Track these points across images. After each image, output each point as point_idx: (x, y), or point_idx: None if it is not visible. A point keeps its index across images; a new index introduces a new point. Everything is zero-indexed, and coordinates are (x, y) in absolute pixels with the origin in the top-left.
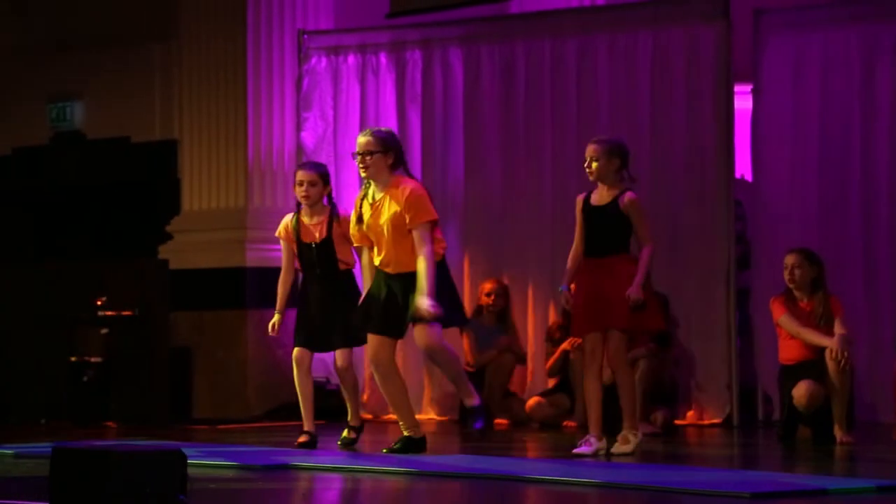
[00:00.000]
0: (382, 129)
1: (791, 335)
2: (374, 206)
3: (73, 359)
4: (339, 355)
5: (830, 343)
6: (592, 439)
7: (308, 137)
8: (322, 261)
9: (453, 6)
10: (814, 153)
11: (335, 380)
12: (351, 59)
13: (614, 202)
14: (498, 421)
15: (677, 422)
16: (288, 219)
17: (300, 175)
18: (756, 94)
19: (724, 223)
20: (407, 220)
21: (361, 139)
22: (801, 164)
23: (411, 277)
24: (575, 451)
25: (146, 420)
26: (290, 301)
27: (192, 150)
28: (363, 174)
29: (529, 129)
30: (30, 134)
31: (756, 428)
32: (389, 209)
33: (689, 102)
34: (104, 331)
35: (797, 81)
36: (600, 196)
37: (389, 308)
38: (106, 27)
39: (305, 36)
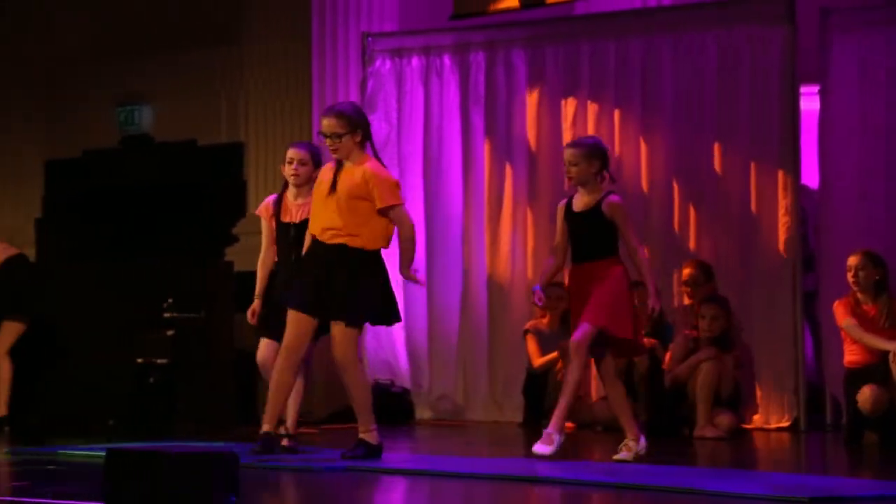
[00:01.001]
0: (345, 105)
1: (854, 339)
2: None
3: (139, 360)
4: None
5: (893, 347)
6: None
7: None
8: (299, 243)
9: (517, 8)
10: (881, 154)
11: (400, 381)
12: (415, 61)
13: (597, 207)
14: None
15: (743, 426)
16: (271, 198)
17: (290, 153)
18: (823, 95)
19: (789, 226)
20: (376, 200)
21: (325, 121)
22: (868, 166)
23: (342, 251)
24: (535, 448)
25: (211, 422)
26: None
27: (258, 153)
28: (334, 156)
29: (594, 129)
30: (99, 137)
31: (824, 432)
32: (351, 179)
33: (754, 104)
34: (170, 332)
35: (864, 82)
36: (582, 201)
37: (317, 287)
38: (173, 32)
39: (369, 38)
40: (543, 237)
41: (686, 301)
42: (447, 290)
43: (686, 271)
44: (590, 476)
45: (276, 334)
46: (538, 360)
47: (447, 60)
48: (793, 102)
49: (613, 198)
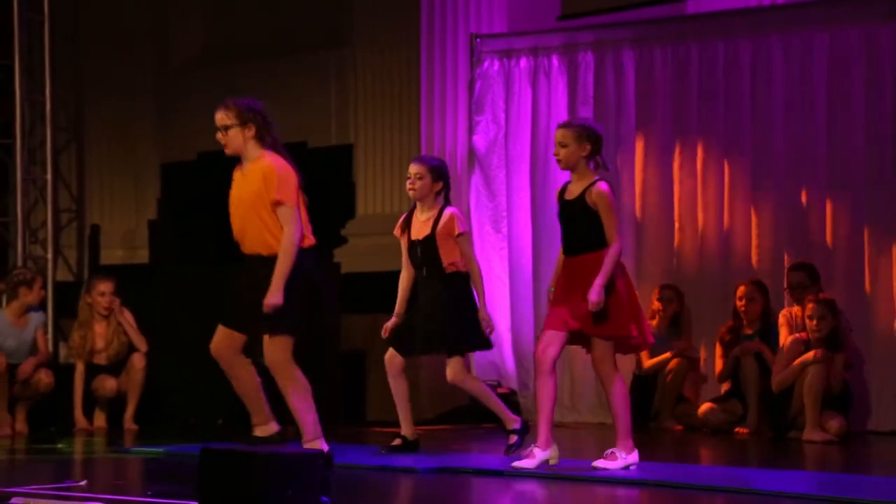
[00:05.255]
0: (242, 99)
1: None
2: (242, 177)
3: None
4: (448, 366)
5: None
6: (536, 450)
7: (480, 141)
8: (426, 260)
9: (626, 7)
10: None
11: (507, 383)
12: (523, 62)
13: (582, 195)
14: (669, 426)
15: (855, 429)
16: (404, 215)
17: (409, 168)
18: None
19: None
20: (272, 196)
21: (217, 114)
22: None
23: (259, 262)
24: (515, 464)
25: (319, 422)
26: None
27: (367, 155)
28: (226, 152)
29: (702, 130)
30: (213, 140)
31: None
32: (252, 182)
33: (868, 104)
34: None
35: None
36: (570, 189)
37: (239, 300)
38: (283, 34)
39: (478, 40)
40: (649, 236)
41: (793, 305)
42: None
43: (792, 274)
44: (694, 479)
45: (395, 345)
46: (648, 362)
47: (555, 61)
48: None
49: (600, 185)
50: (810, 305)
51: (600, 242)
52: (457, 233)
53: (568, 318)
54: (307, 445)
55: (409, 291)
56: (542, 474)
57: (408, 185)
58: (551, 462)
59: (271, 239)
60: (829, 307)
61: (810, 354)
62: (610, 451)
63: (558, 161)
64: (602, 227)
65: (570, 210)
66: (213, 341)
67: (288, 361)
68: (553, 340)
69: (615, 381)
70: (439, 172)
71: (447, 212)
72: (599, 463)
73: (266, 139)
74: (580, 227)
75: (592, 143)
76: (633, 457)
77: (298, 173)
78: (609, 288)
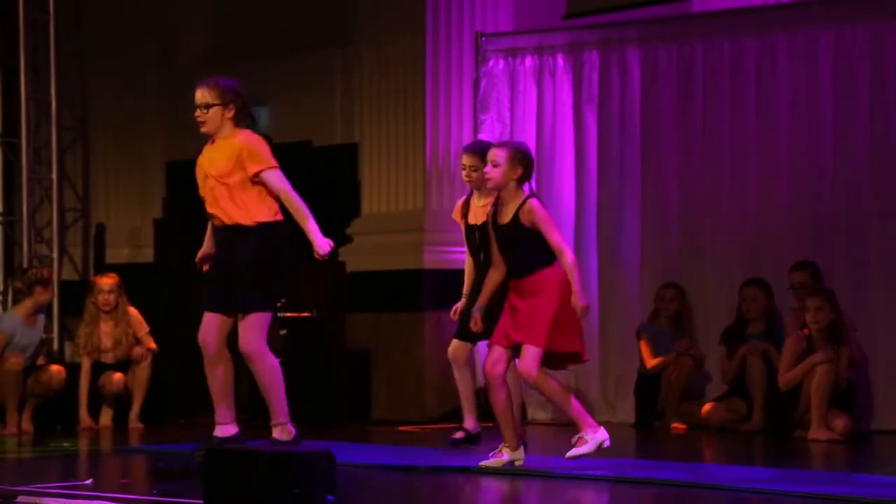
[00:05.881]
0: (226, 79)
1: None
2: (212, 150)
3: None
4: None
5: None
6: (506, 450)
7: (485, 140)
8: (482, 245)
9: (631, 6)
10: None
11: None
12: (528, 60)
13: (516, 216)
14: (675, 425)
15: (860, 428)
16: (461, 200)
17: (463, 158)
18: None
19: None
20: (247, 169)
21: (197, 91)
22: None
23: (235, 231)
24: (483, 462)
25: (325, 421)
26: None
27: (372, 153)
28: (202, 130)
29: (707, 130)
30: None
31: None
32: (221, 157)
33: (874, 104)
34: (283, 332)
35: None
36: (503, 212)
37: (216, 279)
38: (289, 33)
39: (483, 38)
40: (653, 234)
41: (796, 303)
42: None
43: (795, 274)
44: (703, 478)
45: (467, 335)
46: (651, 362)
47: (560, 60)
48: None
49: (531, 202)
50: (808, 297)
51: (546, 261)
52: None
53: (510, 331)
54: (279, 428)
55: (473, 275)
56: (539, 472)
57: (463, 175)
58: (517, 463)
59: (236, 212)
60: (827, 299)
61: (819, 355)
62: (577, 436)
63: (487, 180)
64: (544, 245)
65: (507, 234)
66: (200, 330)
67: (262, 343)
68: (501, 358)
69: (545, 379)
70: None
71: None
72: (572, 452)
73: (242, 122)
74: (522, 250)
75: (524, 167)
76: (601, 433)
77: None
78: (549, 302)
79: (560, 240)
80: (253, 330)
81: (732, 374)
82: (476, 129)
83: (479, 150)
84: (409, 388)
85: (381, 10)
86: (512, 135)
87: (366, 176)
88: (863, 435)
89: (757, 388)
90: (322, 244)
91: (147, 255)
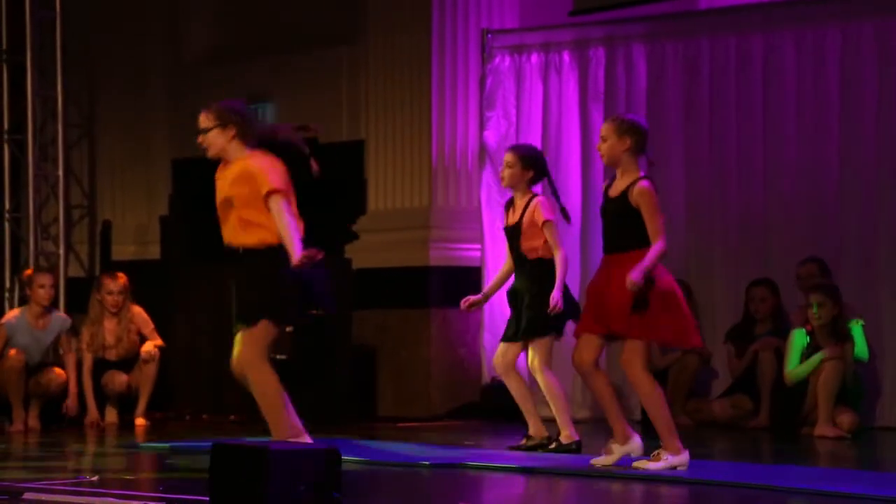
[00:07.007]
0: (228, 101)
1: None
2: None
3: None
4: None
5: None
6: (613, 446)
7: (491, 137)
8: (513, 246)
9: (637, 3)
10: None
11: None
12: (534, 57)
13: (625, 193)
14: (680, 422)
15: (865, 425)
16: (508, 200)
17: (504, 156)
18: None
19: None
20: (259, 189)
21: (200, 117)
22: None
23: (242, 256)
24: (594, 461)
25: (330, 418)
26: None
27: (378, 151)
28: (207, 155)
29: (714, 127)
30: None
31: None
32: (227, 183)
33: (881, 101)
34: (289, 329)
35: None
36: (616, 185)
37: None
38: (295, 30)
39: (489, 35)
40: None
41: (802, 298)
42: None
43: (802, 268)
44: (706, 474)
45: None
46: (661, 359)
47: (566, 57)
48: None
49: (643, 183)
50: (811, 293)
51: (639, 242)
52: (542, 220)
53: (600, 320)
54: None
55: (505, 275)
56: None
57: (501, 174)
58: (634, 454)
59: (243, 234)
60: (829, 294)
61: (827, 352)
62: (656, 451)
63: (602, 156)
64: (642, 226)
65: (611, 207)
66: (232, 356)
67: (261, 359)
68: (587, 345)
69: (647, 382)
70: (530, 161)
71: (535, 200)
72: (641, 463)
73: (250, 139)
74: (618, 225)
75: (633, 137)
76: (682, 457)
77: (288, 167)
78: (647, 288)
79: (657, 226)
80: (251, 339)
81: (741, 370)
82: (482, 127)
83: (518, 149)
84: (416, 385)
85: (387, 7)
86: (518, 131)
87: (372, 173)
88: (868, 431)
89: (766, 384)
90: (297, 252)
91: (153, 252)
